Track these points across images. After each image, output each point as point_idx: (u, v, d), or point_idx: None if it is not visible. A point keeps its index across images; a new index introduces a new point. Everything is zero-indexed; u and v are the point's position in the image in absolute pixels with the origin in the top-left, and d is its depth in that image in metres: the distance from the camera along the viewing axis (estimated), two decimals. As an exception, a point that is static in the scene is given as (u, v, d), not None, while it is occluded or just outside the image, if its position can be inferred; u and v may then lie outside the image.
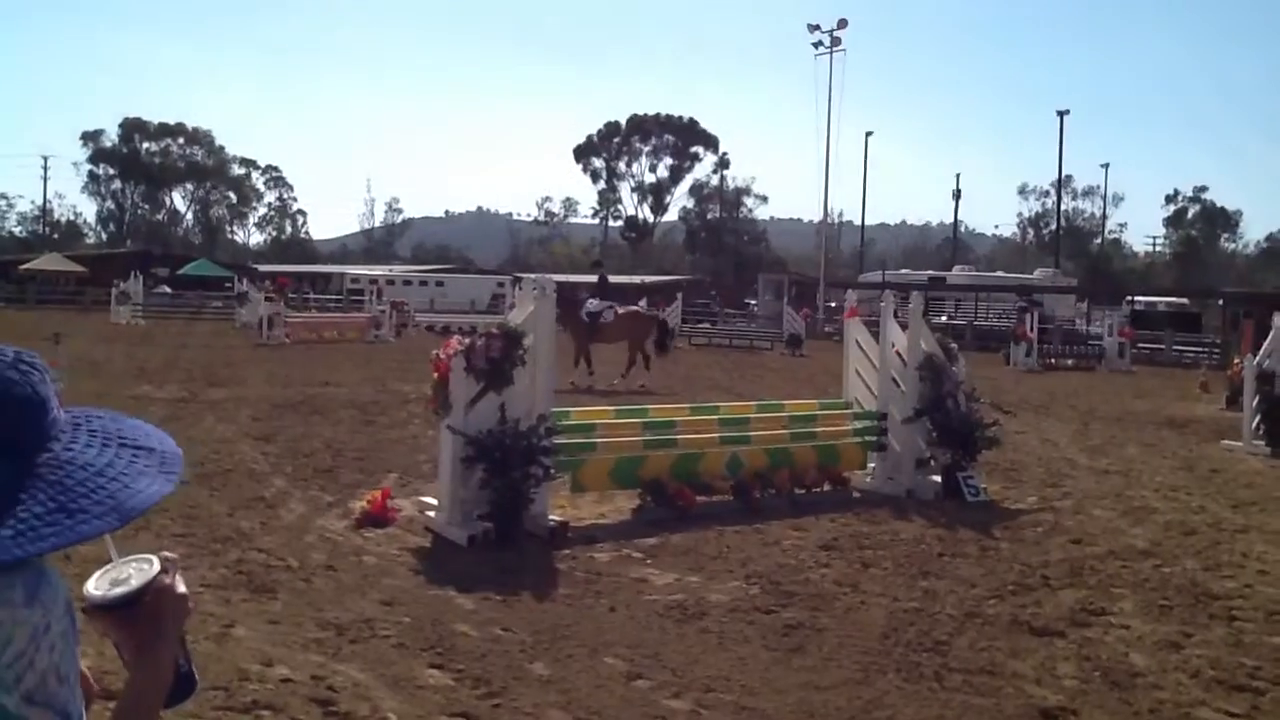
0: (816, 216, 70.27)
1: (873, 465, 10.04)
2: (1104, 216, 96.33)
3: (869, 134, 68.40)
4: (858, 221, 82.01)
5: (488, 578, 6.49)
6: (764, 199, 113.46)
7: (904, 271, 63.92)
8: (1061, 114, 67.94)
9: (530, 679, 4.89)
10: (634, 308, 21.97)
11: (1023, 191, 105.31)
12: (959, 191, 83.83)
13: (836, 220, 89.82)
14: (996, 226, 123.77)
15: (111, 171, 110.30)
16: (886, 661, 5.28)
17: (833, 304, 50.72)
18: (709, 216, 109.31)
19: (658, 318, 21.80)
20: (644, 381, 19.32)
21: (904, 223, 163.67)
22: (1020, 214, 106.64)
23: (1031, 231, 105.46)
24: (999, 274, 64.14)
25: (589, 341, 19.91)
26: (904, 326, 10.24)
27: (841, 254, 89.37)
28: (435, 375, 7.91)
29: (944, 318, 43.03)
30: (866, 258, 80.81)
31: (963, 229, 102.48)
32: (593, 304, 20.18)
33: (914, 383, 9.86)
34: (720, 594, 6.37)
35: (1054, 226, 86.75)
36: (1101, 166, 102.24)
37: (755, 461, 9.12)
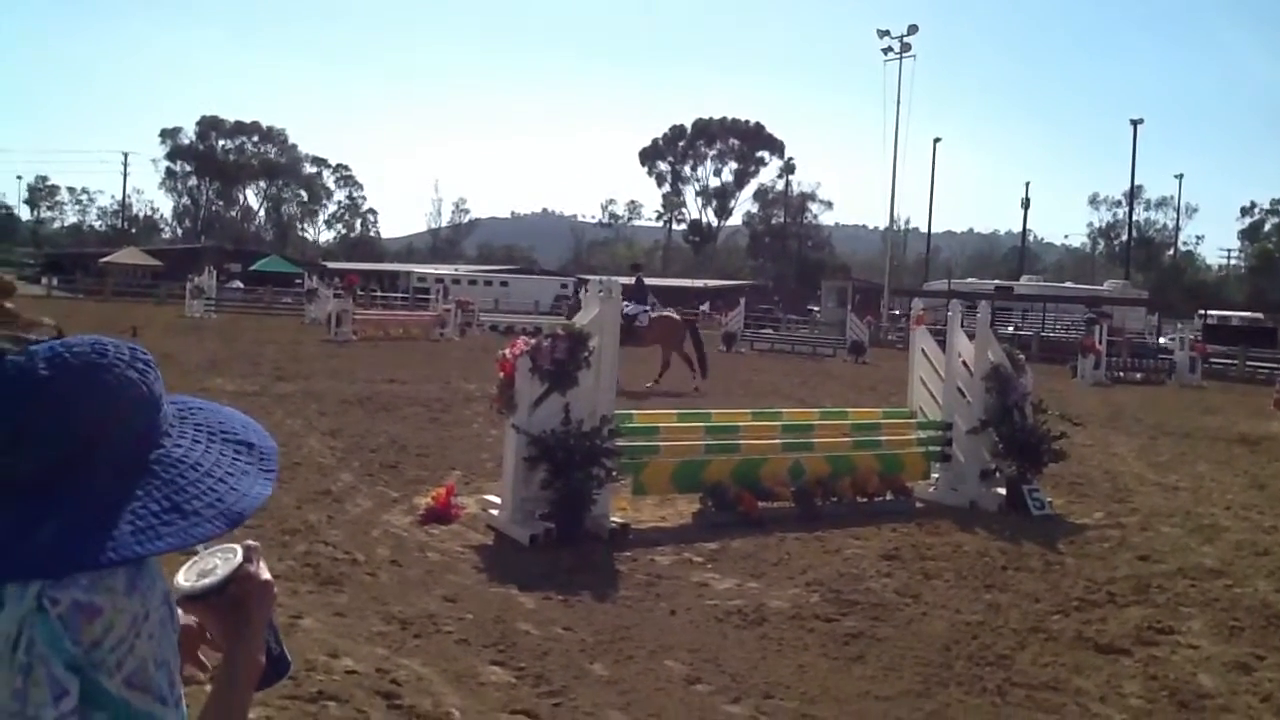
0: (882, 223, 70.01)
1: (936, 475, 9.94)
2: (1177, 228, 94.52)
3: (937, 140, 67.62)
4: (924, 229, 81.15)
5: (549, 577, 6.54)
6: (829, 205, 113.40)
7: (970, 280, 63.18)
8: (1135, 123, 66.68)
9: (590, 679, 4.93)
10: (666, 312, 21.88)
11: (1094, 201, 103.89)
12: (1028, 200, 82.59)
13: (902, 227, 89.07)
14: (1066, 236, 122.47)
15: (188, 168, 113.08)
16: (948, 674, 5.24)
17: (897, 311, 50.36)
18: (773, 221, 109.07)
19: (690, 321, 21.65)
20: (697, 384, 19.21)
21: (971, 231, 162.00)
22: (1091, 224, 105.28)
23: (1102, 242, 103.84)
24: (1068, 285, 63.15)
25: (622, 344, 19.77)
26: (971, 336, 10.14)
27: (906, 261, 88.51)
28: (501, 375, 7.99)
29: (1011, 328, 42.45)
30: (932, 265, 79.99)
31: (1031, 238, 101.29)
32: (629, 308, 20.15)
33: (980, 393, 9.76)
34: (780, 600, 6.36)
35: (1125, 237, 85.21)
36: (1175, 177, 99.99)
37: (817, 469, 9.09)
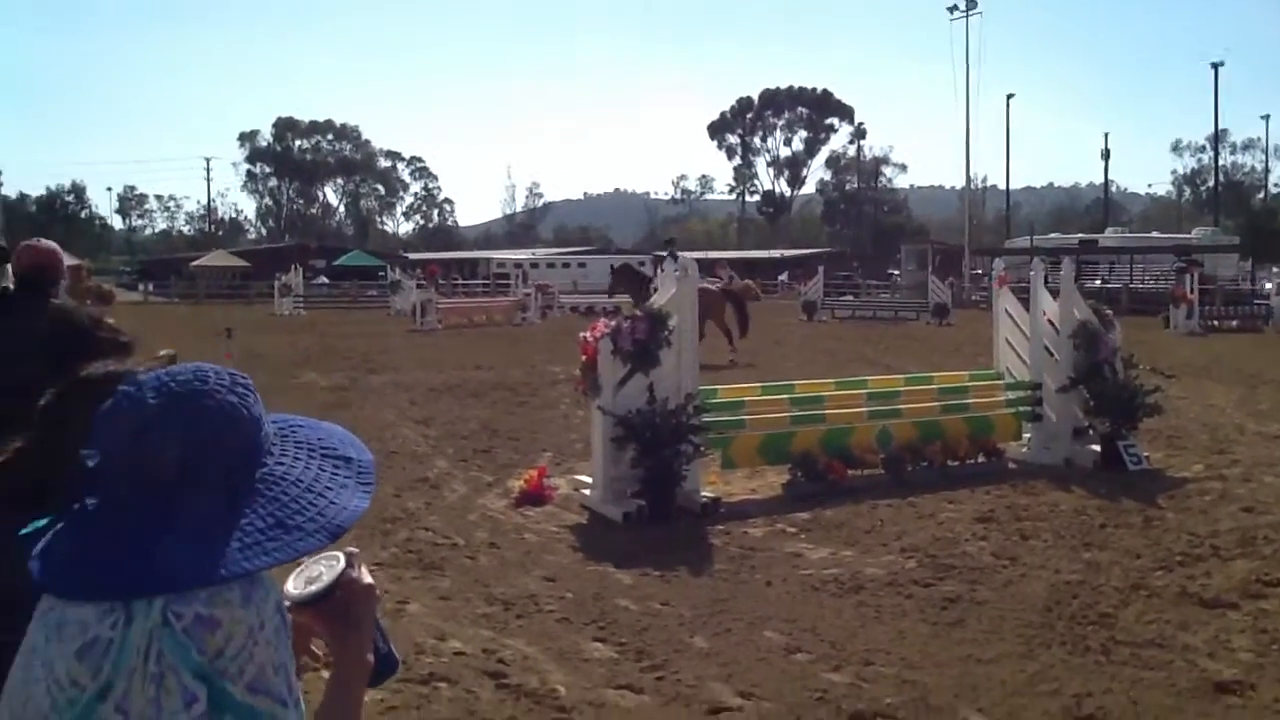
0: (958, 183, 68.59)
1: (1028, 436, 9.82)
2: (1266, 170, 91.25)
3: (1010, 96, 65.94)
4: (1002, 186, 79.42)
5: (644, 554, 6.64)
6: (903, 167, 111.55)
7: (1052, 236, 61.65)
8: (1216, 66, 64.47)
9: (691, 652, 5.01)
10: (703, 283, 21.64)
11: (1176, 148, 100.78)
12: (1108, 151, 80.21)
13: (980, 186, 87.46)
14: (1150, 185, 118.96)
15: (267, 169, 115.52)
16: (1050, 635, 5.21)
17: (979, 271, 49.44)
18: (847, 188, 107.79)
19: (731, 291, 21.40)
20: (731, 357, 19.11)
21: (1051, 185, 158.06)
22: (1175, 171, 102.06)
23: (1188, 189, 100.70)
24: (1154, 234, 61.33)
25: None
26: (1055, 294, 9.97)
27: (986, 220, 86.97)
28: (583, 358, 8.10)
29: (1097, 282, 41.40)
30: (1013, 222, 78.31)
31: (1114, 189, 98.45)
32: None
33: (1068, 351, 9.61)
34: (876, 568, 6.38)
35: (1212, 183, 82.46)
36: (1262, 118, 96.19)
37: (906, 435, 9.04)
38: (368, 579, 1.43)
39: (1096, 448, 9.35)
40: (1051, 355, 9.77)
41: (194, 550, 1.18)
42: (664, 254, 21.36)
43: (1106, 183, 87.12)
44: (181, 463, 1.21)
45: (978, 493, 8.28)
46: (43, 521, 1.33)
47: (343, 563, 1.41)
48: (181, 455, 1.21)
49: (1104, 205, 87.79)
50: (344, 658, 1.40)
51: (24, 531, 1.37)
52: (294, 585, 1.40)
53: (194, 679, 1.17)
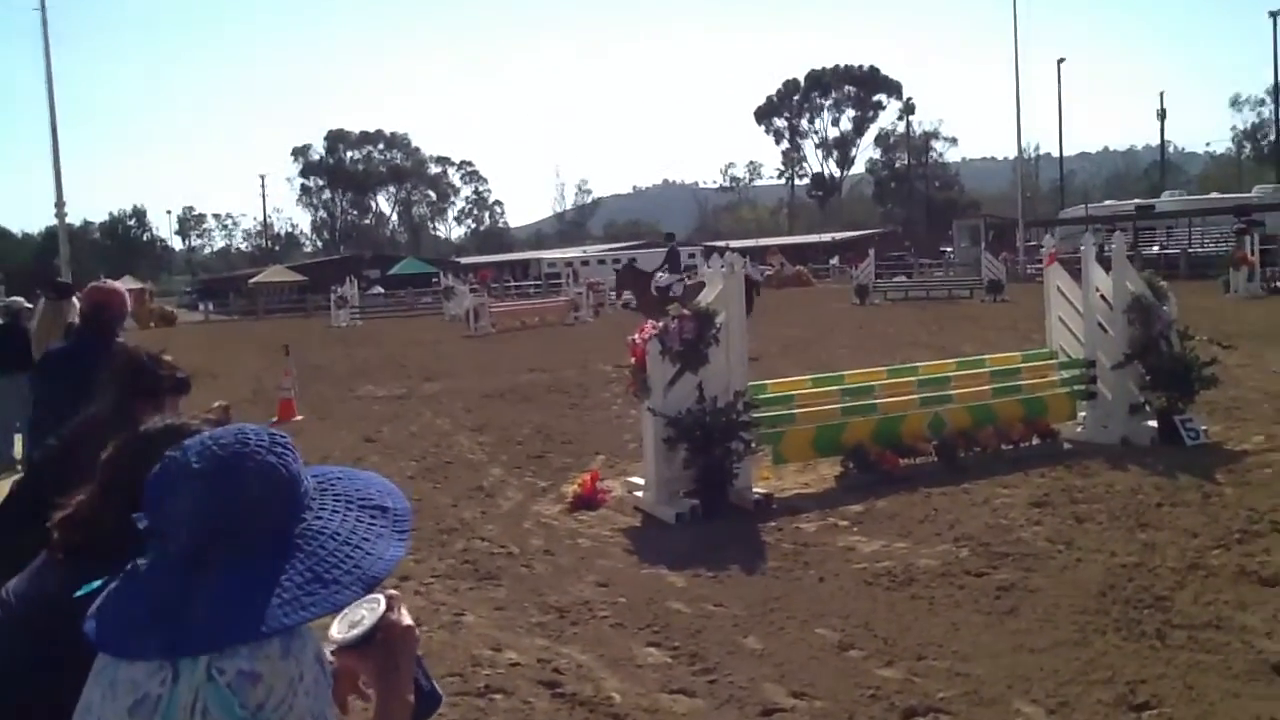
0: (1011, 154, 67.57)
1: (1083, 415, 9.72)
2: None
3: (1061, 61, 64.80)
4: (1056, 154, 78.07)
5: (697, 554, 6.69)
6: (953, 141, 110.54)
7: (1108, 203, 60.47)
8: (1275, 14, 62.72)
9: (744, 653, 5.06)
10: (702, 278, 21.48)
11: (1235, 103, 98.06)
12: (1163, 111, 78.44)
13: (1033, 155, 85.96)
14: (1208, 144, 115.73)
15: (320, 182, 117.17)
16: (1105, 620, 5.18)
17: (1034, 244, 48.77)
18: (897, 165, 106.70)
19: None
20: None
21: (1106, 149, 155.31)
22: (1234, 128, 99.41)
23: (1249, 145, 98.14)
24: (1213, 195, 59.89)
25: (660, 315, 19.59)
26: (1107, 267, 9.85)
27: (1040, 189, 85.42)
28: (632, 360, 8.17)
29: (1155, 248, 40.68)
30: (1068, 190, 77.01)
31: (1171, 150, 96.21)
32: (661, 278, 20.11)
33: (1122, 326, 9.48)
34: (929, 558, 6.37)
35: (1273, 137, 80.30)
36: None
37: (958, 420, 9.00)
38: (408, 620, 1.50)
39: (1153, 424, 9.22)
40: (1105, 331, 9.65)
41: (236, 608, 1.25)
42: (665, 249, 21.48)
43: (1163, 144, 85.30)
44: (224, 524, 1.29)
45: (1032, 476, 8.22)
46: (97, 583, 1.42)
47: (383, 606, 1.48)
48: (224, 516, 1.29)
49: (1161, 167, 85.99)
50: (387, 697, 1.47)
51: (79, 593, 1.46)
52: (337, 630, 1.47)
53: None
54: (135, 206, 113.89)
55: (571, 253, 72.27)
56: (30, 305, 11.70)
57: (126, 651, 1.28)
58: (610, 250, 72.15)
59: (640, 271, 22.17)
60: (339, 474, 1.47)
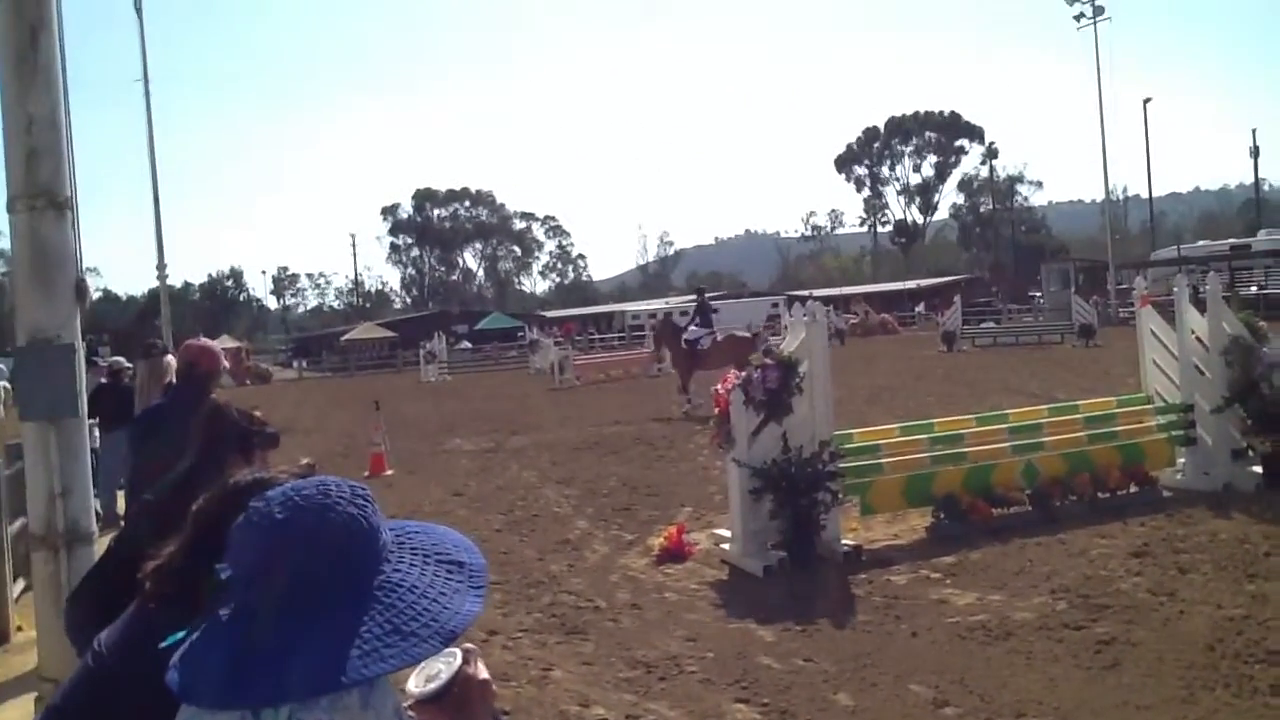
0: (1098, 196, 66.29)
1: (1182, 461, 9.42)
2: None
3: (1147, 100, 63.66)
4: (1145, 195, 76.41)
5: (786, 607, 6.60)
6: (1039, 184, 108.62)
7: (1201, 244, 58.82)
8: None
9: (835, 710, 4.96)
10: (734, 332, 21.14)
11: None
12: (1257, 148, 76.41)
13: (1121, 196, 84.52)
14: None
15: (409, 240, 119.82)
16: (1213, 676, 4.98)
17: (1125, 287, 47.72)
18: (981, 210, 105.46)
19: (761, 337, 21.01)
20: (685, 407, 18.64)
21: (1198, 189, 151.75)
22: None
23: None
24: (1312, 232, 58.01)
25: (690, 368, 19.59)
26: (1202, 309, 9.58)
27: (1129, 231, 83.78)
28: (716, 411, 8.15)
29: (1253, 289, 39.41)
30: (1159, 231, 75.23)
31: (1265, 187, 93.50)
32: (692, 330, 19.95)
33: (1220, 369, 9.21)
34: (1026, 611, 6.20)
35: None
36: None
37: (1052, 468, 8.78)
38: (484, 674, 1.50)
39: (1258, 469, 8.92)
40: (1203, 374, 9.38)
41: (317, 659, 1.26)
42: (695, 302, 21.32)
43: (1257, 181, 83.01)
44: (306, 574, 1.30)
45: (1131, 525, 7.98)
46: (181, 634, 1.45)
47: (460, 659, 1.49)
48: (306, 567, 1.31)
49: (1256, 205, 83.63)
50: None
51: (164, 644, 1.49)
52: (414, 684, 1.48)
53: None
54: (232, 268, 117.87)
55: (655, 304, 72.51)
56: (129, 365, 12.10)
57: (208, 701, 1.30)
58: (692, 302, 72.35)
59: (676, 326, 22.08)
60: (417, 528, 1.49)
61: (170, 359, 8.61)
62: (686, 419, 17.87)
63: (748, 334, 20.98)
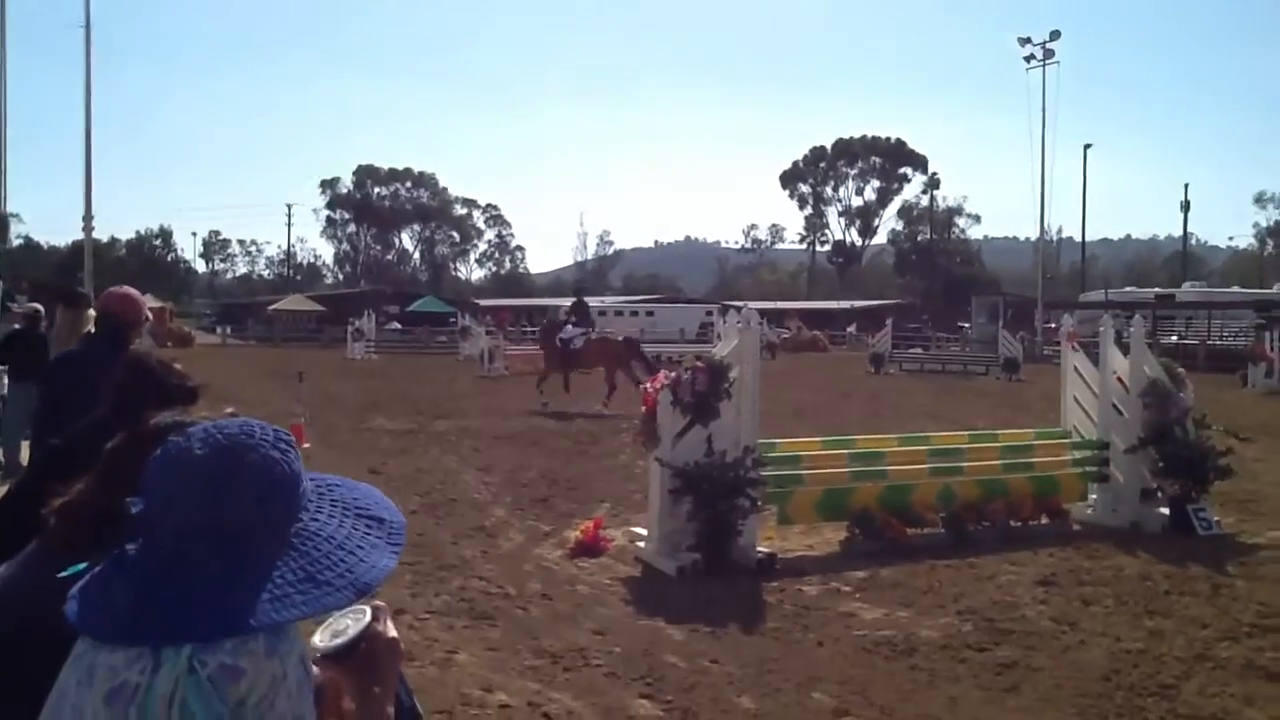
0: (1033, 234, 67.66)
1: (1094, 497, 9.63)
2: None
3: (1088, 146, 65.20)
4: (1078, 237, 78.18)
5: (696, 609, 6.60)
6: (976, 218, 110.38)
7: (1129, 289, 60.57)
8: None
9: (737, 712, 4.97)
10: (606, 333, 21.98)
11: (1260, 200, 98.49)
12: (1187, 203, 78.83)
13: (1055, 237, 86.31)
14: (1231, 238, 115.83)
15: (346, 216, 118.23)
16: (1108, 705, 5.08)
17: (1052, 325, 48.71)
18: (919, 238, 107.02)
19: (631, 341, 21.53)
20: (605, 403, 19.28)
21: (1129, 237, 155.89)
22: (1257, 224, 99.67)
23: (1271, 243, 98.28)
24: (1235, 289, 59.88)
25: (565, 367, 20.46)
26: (1125, 351, 9.80)
27: (1061, 272, 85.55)
28: (643, 409, 8.14)
29: (1174, 338, 40.54)
30: (1088, 275, 77.02)
31: (1193, 241, 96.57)
32: (568, 330, 20.49)
33: (1138, 410, 9.42)
34: (931, 630, 6.27)
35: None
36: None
37: (968, 493, 8.91)
38: (393, 633, 1.46)
39: (1165, 511, 9.14)
40: (1121, 414, 9.59)
41: (225, 599, 1.21)
42: (571, 303, 21.91)
43: (1185, 235, 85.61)
44: (221, 513, 1.25)
45: (1040, 554, 8.12)
46: (82, 565, 1.38)
47: (369, 616, 1.44)
48: (222, 505, 1.25)
49: (1183, 258, 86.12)
50: (367, 710, 1.43)
51: (63, 574, 1.42)
52: (320, 638, 1.43)
53: None
54: (162, 226, 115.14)
55: (590, 303, 72.47)
56: (45, 312, 11.69)
57: (107, 636, 1.23)
58: (629, 302, 72.31)
59: (556, 324, 22.61)
60: (338, 481, 1.45)
61: (93, 311, 8.36)
62: (544, 412, 18.69)
63: (619, 336, 21.69)
